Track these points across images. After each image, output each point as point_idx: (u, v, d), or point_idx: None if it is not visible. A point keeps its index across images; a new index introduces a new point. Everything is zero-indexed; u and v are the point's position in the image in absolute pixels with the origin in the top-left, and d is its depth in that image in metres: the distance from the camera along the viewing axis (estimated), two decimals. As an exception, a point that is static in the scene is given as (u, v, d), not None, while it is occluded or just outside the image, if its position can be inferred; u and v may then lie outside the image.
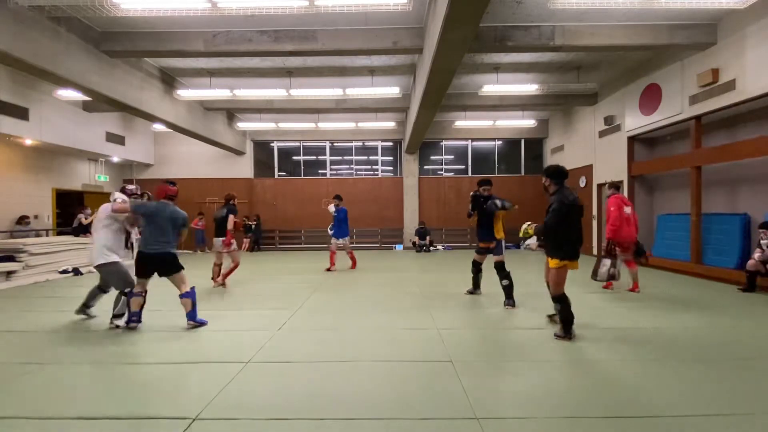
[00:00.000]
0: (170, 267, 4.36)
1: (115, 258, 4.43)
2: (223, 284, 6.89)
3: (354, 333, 4.18)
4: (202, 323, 4.41)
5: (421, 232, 13.52)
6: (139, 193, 4.99)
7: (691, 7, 5.89)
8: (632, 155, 9.61)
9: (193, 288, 4.44)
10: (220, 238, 6.87)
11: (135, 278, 4.39)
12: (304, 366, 3.28)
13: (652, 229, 9.49)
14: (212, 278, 7.05)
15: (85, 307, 4.70)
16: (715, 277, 7.11)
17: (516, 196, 13.95)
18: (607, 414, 2.48)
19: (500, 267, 5.28)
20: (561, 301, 3.83)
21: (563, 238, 3.78)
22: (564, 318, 3.83)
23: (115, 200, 4.54)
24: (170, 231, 4.37)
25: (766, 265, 6.00)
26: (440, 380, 2.97)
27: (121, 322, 4.36)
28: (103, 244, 4.39)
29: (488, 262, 5.69)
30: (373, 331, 4.23)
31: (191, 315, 4.37)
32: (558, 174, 3.89)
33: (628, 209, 6.09)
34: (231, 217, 6.74)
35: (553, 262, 3.81)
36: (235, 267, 7.05)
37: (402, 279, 7.75)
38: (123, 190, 4.83)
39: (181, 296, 4.36)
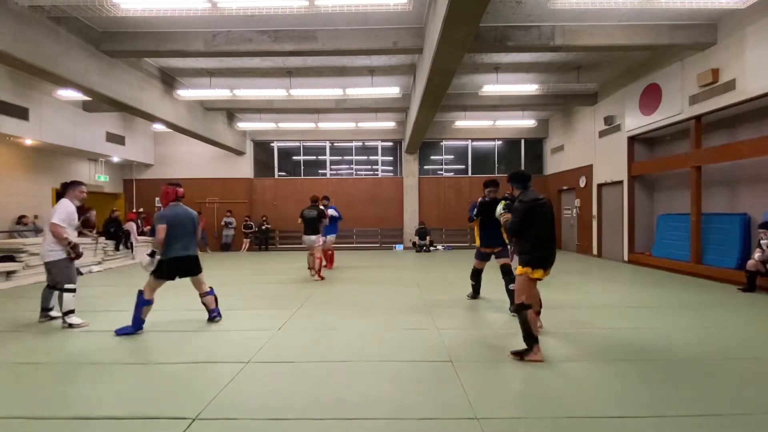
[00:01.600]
0: (197, 268, 4.52)
1: (64, 255, 4.45)
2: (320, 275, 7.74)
3: (354, 333, 4.18)
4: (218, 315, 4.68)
5: (421, 232, 13.51)
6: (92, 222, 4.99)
7: (691, 7, 5.89)
8: (632, 155, 9.61)
9: (212, 288, 4.68)
10: (313, 236, 7.64)
11: (76, 280, 4.49)
12: (304, 366, 3.28)
13: (652, 229, 9.49)
14: (309, 268, 7.94)
15: (44, 312, 4.65)
16: (715, 277, 7.11)
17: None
18: (607, 414, 2.48)
19: (507, 270, 5.01)
20: (519, 311, 3.45)
21: (525, 241, 3.52)
22: (523, 333, 3.41)
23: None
24: (193, 232, 4.51)
25: (766, 265, 6.01)
26: (440, 380, 2.97)
27: (57, 315, 4.52)
28: (54, 241, 4.38)
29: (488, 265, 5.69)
30: (373, 331, 4.23)
31: (217, 311, 4.63)
32: (518, 177, 3.74)
33: None
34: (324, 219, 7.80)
35: (518, 268, 3.58)
36: (322, 258, 7.94)
37: (402, 279, 7.75)
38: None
39: (206, 294, 4.58)
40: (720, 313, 4.95)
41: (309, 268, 8.02)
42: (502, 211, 3.96)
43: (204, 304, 4.61)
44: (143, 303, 4.21)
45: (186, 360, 3.42)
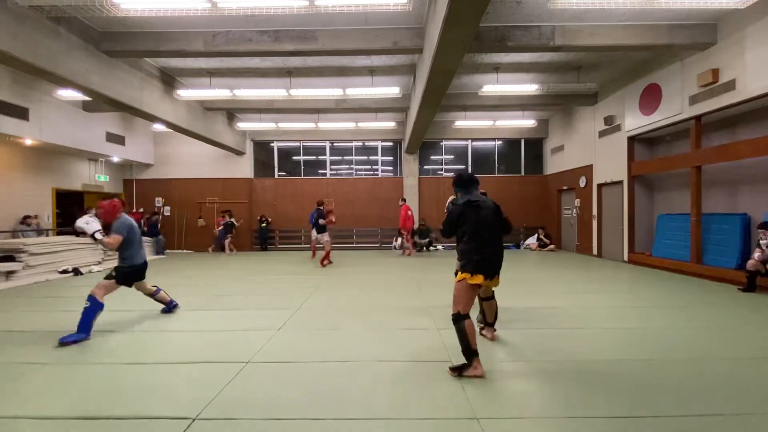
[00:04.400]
0: (144, 273, 4.69)
1: None
2: (324, 265, 9.48)
3: (354, 333, 4.19)
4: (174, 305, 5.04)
5: (423, 232, 13.50)
6: None
7: (691, 7, 5.89)
8: (632, 155, 9.61)
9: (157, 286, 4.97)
10: (321, 233, 9.58)
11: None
12: (304, 366, 3.28)
13: (652, 229, 9.49)
14: (321, 259, 9.65)
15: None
16: (715, 277, 7.11)
17: (516, 196, 14.00)
18: (608, 414, 2.48)
19: None
20: (454, 321, 3.14)
21: (463, 245, 3.28)
22: (461, 346, 3.10)
23: None
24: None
25: (766, 265, 6.01)
26: (440, 380, 2.98)
27: None
28: None
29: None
30: (373, 331, 4.23)
31: (172, 302, 5.03)
32: (457, 182, 3.53)
33: (410, 212, 11.72)
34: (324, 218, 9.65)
35: (458, 274, 3.31)
36: (328, 252, 9.77)
37: (402, 279, 7.75)
38: None
39: (156, 292, 4.86)
40: (720, 313, 4.94)
41: (321, 260, 9.64)
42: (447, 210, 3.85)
43: (159, 300, 4.90)
44: (99, 307, 4.09)
45: (186, 360, 3.42)
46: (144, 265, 4.59)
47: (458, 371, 3.06)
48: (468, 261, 3.21)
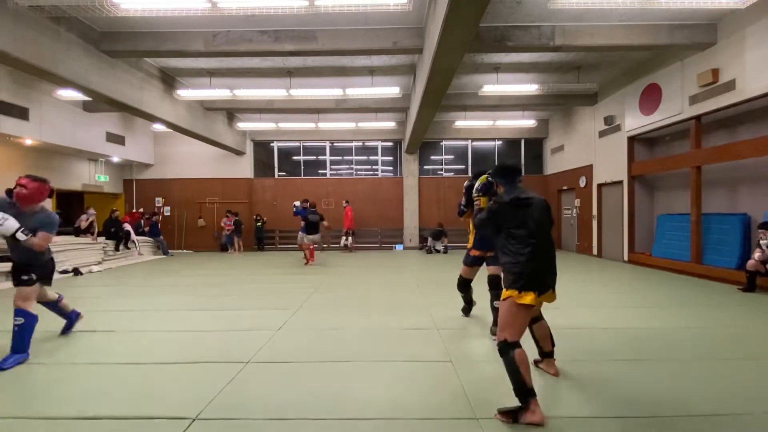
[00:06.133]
0: None
1: None
2: (307, 264, 9.72)
3: (354, 333, 4.19)
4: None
5: (436, 233, 13.32)
6: None
7: (691, 7, 5.89)
8: (632, 155, 9.61)
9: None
10: (312, 235, 9.76)
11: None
12: (304, 366, 3.29)
13: (652, 229, 9.49)
14: (305, 258, 10.01)
15: None
16: (715, 277, 7.11)
17: (516, 196, 13.94)
18: (608, 414, 2.48)
19: (496, 283, 3.88)
20: (501, 352, 2.47)
21: (507, 255, 2.60)
22: (512, 384, 2.41)
23: None
24: None
25: (766, 265, 6.01)
26: (440, 380, 2.97)
27: None
28: None
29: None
30: (373, 331, 4.23)
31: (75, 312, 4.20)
32: (500, 173, 2.81)
33: (350, 213, 13.48)
34: (324, 222, 9.93)
35: (503, 291, 2.62)
36: (313, 251, 10.07)
37: (402, 279, 7.75)
38: None
39: (59, 299, 4.04)
40: (720, 313, 4.94)
41: (305, 259, 10.00)
42: (478, 193, 3.13)
43: (61, 309, 4.11)
44: (35, 320, 3.51)
45: (186, 360, 3.42)
46: (52, 265, 3.86)
47: (512, 417, 2.37)
48: (515, 275, 2.53)
